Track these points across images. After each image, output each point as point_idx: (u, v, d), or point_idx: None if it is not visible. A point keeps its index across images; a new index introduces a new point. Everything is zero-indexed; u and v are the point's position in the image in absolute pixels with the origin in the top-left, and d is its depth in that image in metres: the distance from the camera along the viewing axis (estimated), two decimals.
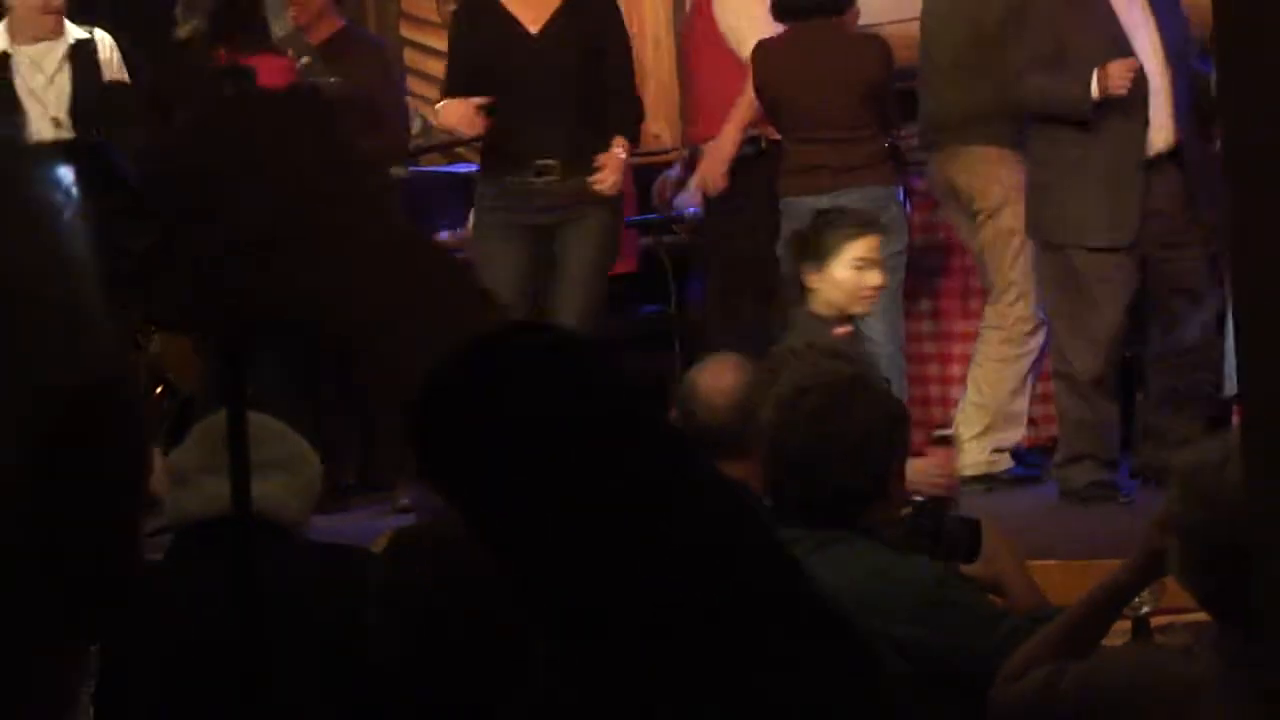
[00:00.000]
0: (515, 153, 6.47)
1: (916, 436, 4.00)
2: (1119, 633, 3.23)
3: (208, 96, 0.91)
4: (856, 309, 5.45)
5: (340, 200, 0.92)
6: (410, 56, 9.36)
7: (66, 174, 0.77)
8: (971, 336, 7.04)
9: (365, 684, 2.68)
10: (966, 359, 7.04)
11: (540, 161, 6.45)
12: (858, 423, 3.35)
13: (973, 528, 3.53)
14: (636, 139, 6.74)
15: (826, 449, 3.31)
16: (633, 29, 7.76)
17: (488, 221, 6.64)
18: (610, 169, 6.47)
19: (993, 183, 6.66)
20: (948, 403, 7.27)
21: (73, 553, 0.74)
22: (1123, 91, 6.07)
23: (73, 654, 0.78)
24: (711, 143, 6.97)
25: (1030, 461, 6.84)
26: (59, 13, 6.86)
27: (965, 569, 3.46)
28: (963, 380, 7.01)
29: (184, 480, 3.21)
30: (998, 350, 6.78)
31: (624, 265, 7.13)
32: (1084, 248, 6.24)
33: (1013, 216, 6.56)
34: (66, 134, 6.61)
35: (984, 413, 6.74)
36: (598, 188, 6.45)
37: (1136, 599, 3.14)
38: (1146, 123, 6.19)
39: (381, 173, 6.37)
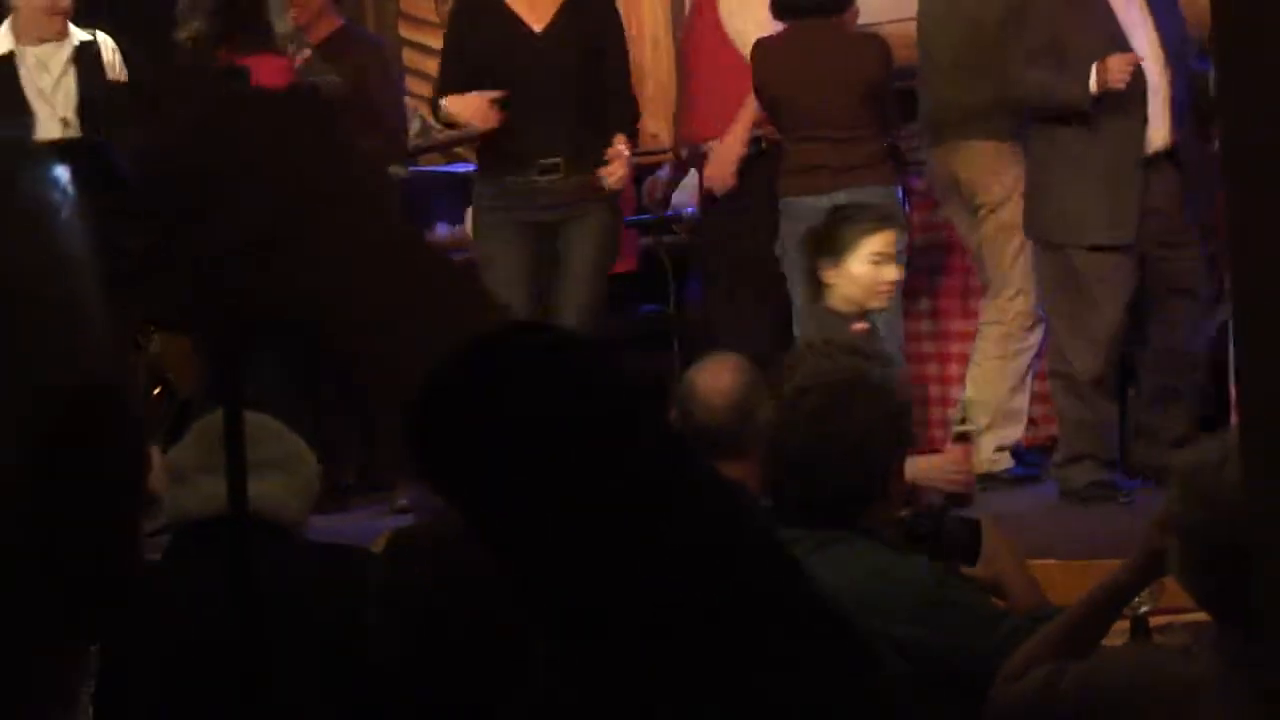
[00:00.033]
0: (518, 151, 6.48)
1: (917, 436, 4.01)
2: (1118, 633, 3.23)
3: (204, 96, 0.90)
4: (874, 304, 5.44)
5: (340, 200, 0.92)
6: (409, 56, 9.36)
7: (63, 173, 0.77)
8: (970, 336, 7.03)
9: (365, 684, 2.68)
10: (965, 358, 7.04)
11: (544, 160, 6.46)
12: (858, 422, 3.35)
13: (972, 529, 3.52)
14: (635, 138, 6.75)
15: (826, 449, 3.31)
16: (631, 30, 7.77)
17: (490, 221, 6.63)
18: (618, 163, 6.50)
19: (995, 177, 6.65)
20: (947, 402, 7.27)
21: (73, 553, 0.74)
22: (1122, 85, 6.07)
23: (73, 654, 0.78)
24: (718, 143, 6.96)
25: (1029, 461, 6.84)
26: (66, 14, 6.86)
27: (966, 571, 3.45)
28: (961, 380, 7.00)
29: (182, 479, 3.21)
30: (997, 346, 6.77)
31: (623, 265, 7.13)
32: (1083, 246, 6.24)
33: (1014, 212, 6.56)
34: (75, 134, 6.61)
35: (984, 411, 6.74)
36: (606, 181, 6.48)
37: (1135, 599, 3.14)
38: (1145, 121, 6.19)
39: (380, 172, 6.37)
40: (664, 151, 8.10)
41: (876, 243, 5.42)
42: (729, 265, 7.04)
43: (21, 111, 6.58)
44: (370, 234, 0.91)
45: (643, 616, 0.86)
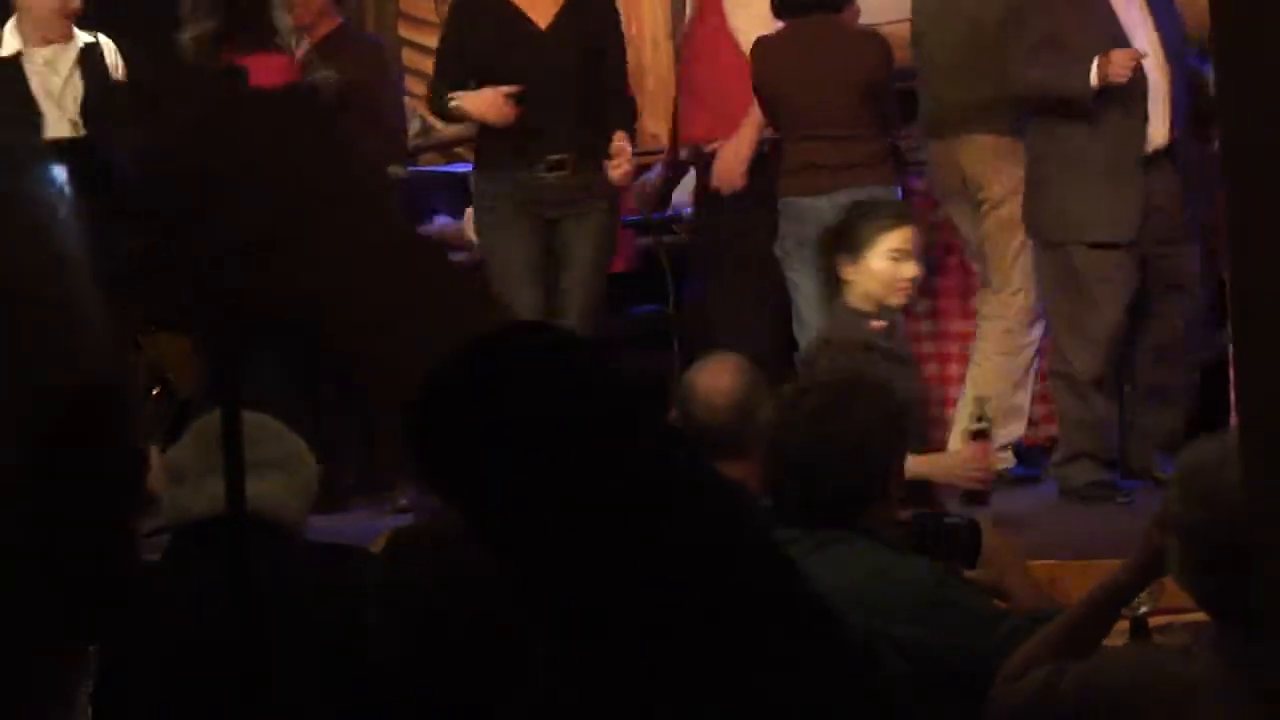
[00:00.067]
0: (523, 148, 6.49)
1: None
2: (1118, 633, 3.23)
3: (204, 96, 0.90)
4: (893, 301, 5.39)
5: (340, 200, 0.92)
6: (408, 56, 9.35)
7: (60, 173, 0.77)
8: (969, 336, 7.03)
9: (365, 684, 2.68)
10: (965, 359, 7.03)
11: (552, 157, 6.48)
12: (858, 422, 3.35)
13: (973, 530, 3.52)
14: (634, 137, 6.77)
15: (826, 449, 3.31)
16: (631, 30, 7.77)
17: (496, 218, 6.64)
18: (624, 158, 6.53)
19: (999, 172, 6.63)
20: (946, 403, 7.26)
21: (72, 553, 0.74)
22: (1123, 80, 6.07)
23: (72, 654, 0.78)
24: (726, 143, 6.96)
25: (1030, 461, 6.83)
26: (75, 15, 6.86)
27: (967, 574, 3.45)
28: (961, 380, 6.99)
29: (182, 479, 3.21)
30: (999, 343, 6.76)
31: (619, 264, 7.14)
32: (1084, 244, 6.24)
33: (1016, 209, 6.55)
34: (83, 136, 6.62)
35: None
36: (612, 175, 6.49)
37: (1135, 599, 3.14)
38: (1145, 119, 6.20)
39: (380, 172, 6.37)
40: (659, 152, 8.10)
41: (895, 239, 5.37)
42: (728, 265, 7.04)
43: (32, 112, 6.58)
44: (370, 234, 0.91)
45: (643, 616, 0.86)
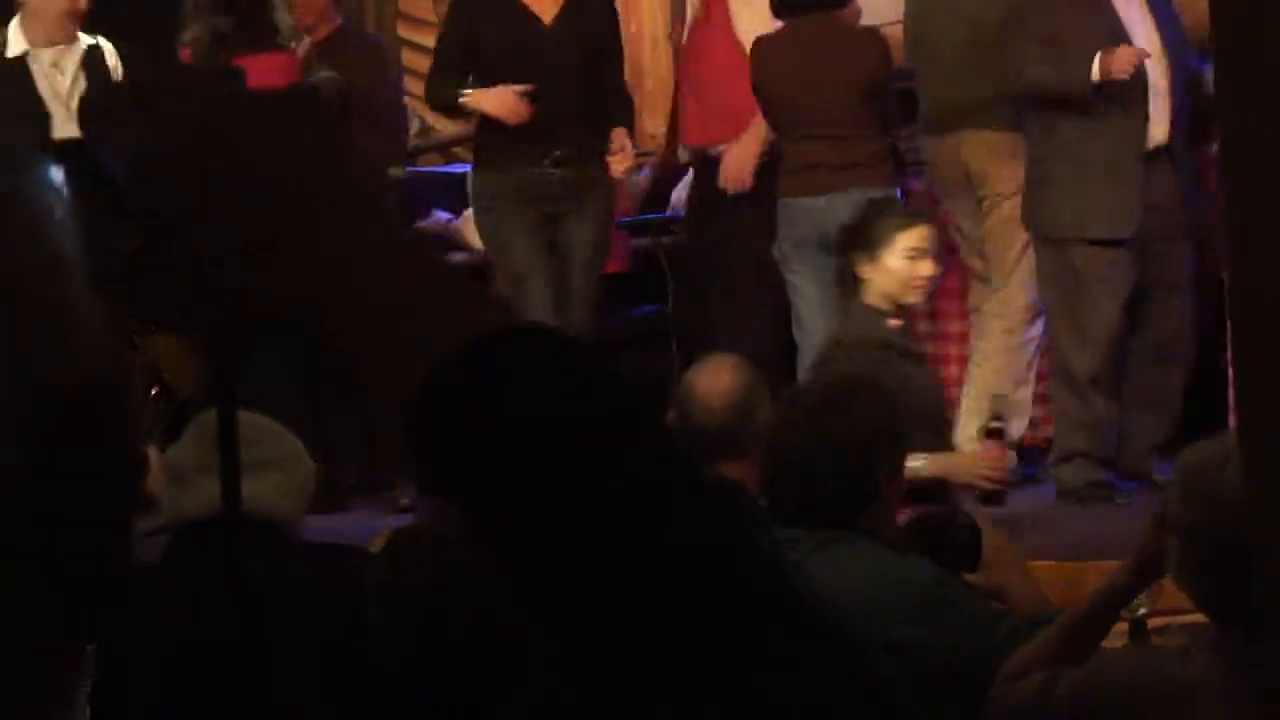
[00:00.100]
0: (526, 145, 6.50)
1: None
2: (1117, 635, 3.23)
3: (204, 96, 0.90)
4: (910, 299, 5.36)
5: (339, 200, 0.92)
6: (408, 57, 9.35)
7: (57, 174, 0.77)
8: (969, 337, 7.02)
9: (365, 684, 2.68)
10: (964, 359, 7.03)
11: (557, 152, 6.50)
12: (857, 422, 3.35)
13: (972, 533, 3.52)
14: (632, 136, 6.80)
15: (826, 449, 3.31)
16: (631, 29, 7.77)
17: (491, 219, 6.65)
18: (625, 153, 6.57)
19: (1004, 169, 6.63)
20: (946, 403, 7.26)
21: (72, 553, 0.74)
22: (1125, 76, 6.07)
23: (71, 654, 0.78)
24: (733, 144, 6.95)
25: (1030, 461, 6.83)
26: (81, 16, 6.86)
27: (968, 577, 3.45)
28: (960, 380, 6.99)
29: (181, 479, 3.21)
30: (1000, 340, 6.75)
31: (613, 265, 7.15)
32: (1084, 240, 6.24)
33: (1019, 207, 6.55)
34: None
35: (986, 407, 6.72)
36: (614, 168, 6.53)
37: (1134, 601, 3.14)
38: (1146, 118, 6.20)
39: (380, 172, 6.38)
40: (649, 154, 8.11)
41: (912, 237, 5.34)
42: (727, 267, 7.03)
43: (39, 112, 6.58)
44: (370, 234, 0.91)
45: (643, 616, 0.86)
